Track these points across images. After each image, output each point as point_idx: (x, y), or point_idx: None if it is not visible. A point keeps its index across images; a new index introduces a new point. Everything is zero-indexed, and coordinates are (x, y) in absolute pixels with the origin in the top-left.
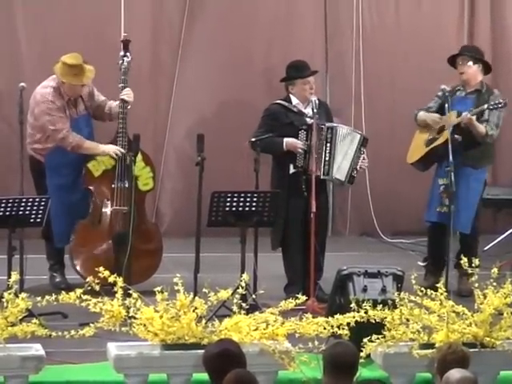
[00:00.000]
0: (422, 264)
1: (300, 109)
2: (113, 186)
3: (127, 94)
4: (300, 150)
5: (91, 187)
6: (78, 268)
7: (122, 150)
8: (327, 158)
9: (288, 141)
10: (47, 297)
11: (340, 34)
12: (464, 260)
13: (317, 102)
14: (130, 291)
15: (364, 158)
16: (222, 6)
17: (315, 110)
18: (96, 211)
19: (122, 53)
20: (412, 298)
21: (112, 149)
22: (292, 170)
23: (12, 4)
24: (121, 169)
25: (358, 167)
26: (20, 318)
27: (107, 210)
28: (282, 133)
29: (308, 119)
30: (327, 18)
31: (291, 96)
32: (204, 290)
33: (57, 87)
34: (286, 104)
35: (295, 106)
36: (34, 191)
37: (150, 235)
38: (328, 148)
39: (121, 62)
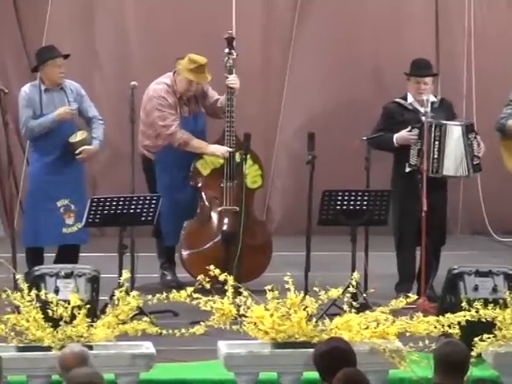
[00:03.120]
0: None
1: (416, 107)
2: (222, 185)
3: (232, 81)
4: (412, 141)
5: (199, 186)
6: (187, 266)
7: (230, 150)
8: (436, 156)
9: (398, 136)
10: (158, 295)
11: (451, 32)
12: None
13: (429, 100)
14: (241, 289)
15: (478, 142)
16: (332, 5)
17: (426, 109)
18: (204, 210)
19: (226, 50)
20: None
21: (220, 150)
22: (407, 168)
23: (123, 5)
24: (229, 168)
25: (476, 154)
26: (131, 315)
27: (216, 209)
28: (396, 131)
29: (423, 118)
30: (438, 16)
31: (408, 94)
32: (314, 288)
33: (170, 85)
34: (402, 102)
35: (410, 103)
36: (145, 190)
37: (259, 233)
38: (437, 146)
39: (226, 59)
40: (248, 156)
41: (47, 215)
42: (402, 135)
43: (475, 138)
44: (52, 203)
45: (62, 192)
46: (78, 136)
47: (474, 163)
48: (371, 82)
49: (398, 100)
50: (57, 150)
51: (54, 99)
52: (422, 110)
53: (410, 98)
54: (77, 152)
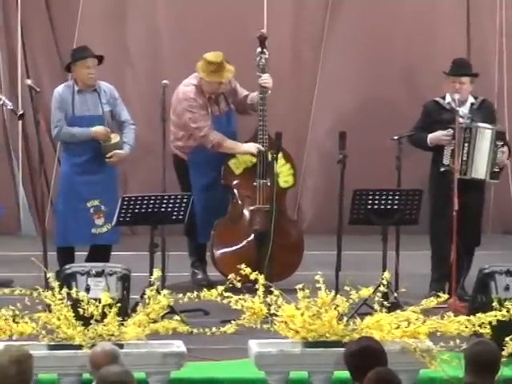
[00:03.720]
0: None
1: (453, 106)
2: (254, 184)
3: (265, 80)
4: (445, 141)
5: (231, 185)
6: (219, 265)
7: (262, 149)
8: (464, 158)
9: (431, 136)
10: (189, 294)
11: (482, 30)
12: None
13: (466, 101)
14: (272, 288)
15: (503, 152)
16: (363, 3)
17: (458, 109)
18: (236, 209)
19: (258, 49)
20: None
21: (253, 147)
22: (441, 168)
23: (155, 3)
24: (262, 167)
25: (497, 161)
26: (162, 314)
27: (248, 207)
28: (433, 130)
29: (461, 118)
30: (469, 14)
31: (447, 93)
32: (345, 287)
33: (198, 85)
34: (440, 101)
35: (448, 103)
36: (176, 188)
37: (290, 232)
38: (466, 148)
39: (258, 58)
40: (280, 155)
41: (77, 215)
42: (435, 135)
43: (502, 146)
44: (82, 203)
45: (93, 193)
46: (112, 139)
47: (493, 170)
48: (402, 81)
49: (436, 99)
50: (88, 150)
51: (86, 101)
52: (460, 110)
53: (448, 98)
54: (107, 156)
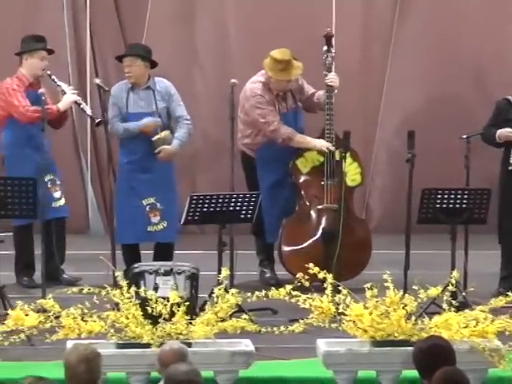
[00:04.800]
0: None
1: None
2: (322, 183)
3: (332, 79)
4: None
5: (298, 184)
6: (287, 264)
7: (332, 148)
8: None
9: (500, 132)
10: (257, 292)
11: None
12: None
13: None
14: (340, 287)
15: None
16: (432, 1)
17: None
18: (304, 208)
19: (325, 48)
20: None
21: (324, 144)
22: (509, 167)
23: (223, 3)
24: (329, 166)
25: None
26: (230, 313)
27: (315, 206)
28: (504, 128)
29: None
30: None
31: None
32: (414, 286)
33: (265, 82)
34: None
35: None
36: (245, 187)
37: (358, 231)
38: None
39: (324, 57)
40: (348, 154)
41: (133, 213)
42: (503, 132)
43: None
44: (138, 201)
45: (149, 190)
46: (160, 135)
47: None
48: (472, 79)
49: (508, 97)
50: (142, 148)
51: (140, 98)
52: None
53: None
54: (156, 151)
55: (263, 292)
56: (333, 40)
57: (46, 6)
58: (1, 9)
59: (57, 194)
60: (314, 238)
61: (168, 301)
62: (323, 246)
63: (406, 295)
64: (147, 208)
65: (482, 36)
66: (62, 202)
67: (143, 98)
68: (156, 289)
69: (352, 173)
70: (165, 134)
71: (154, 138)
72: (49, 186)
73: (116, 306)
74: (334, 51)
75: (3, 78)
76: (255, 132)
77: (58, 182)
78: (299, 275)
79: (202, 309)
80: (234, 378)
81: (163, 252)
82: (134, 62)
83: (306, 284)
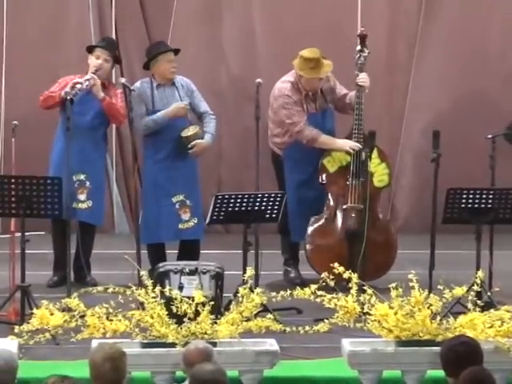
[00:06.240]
0: None
1: None
2: (347, 182)
3: (362, 79)
4: None
5: (326, 183)
6: (312, 263)
7: (359, 146)
8: None
9: None
10: (282, 292)
11: None
12: None
13: None
14: (365, 287)
15: None
16: (459, 1)
17: None
18: (330, 207)
19: (358, 47)
20: None
21: (349, 144)
22: None
23: (250, 2)
24: (356, 165)
25: None
26: (255, 312)
27: (341, 206)
28: None
29: None
30: None
31: None
32: (439, 286)
33: (295, 82)
34: None
35: None
36: (269, 187)
37: (383, 231)
38: None
39: (357, 56)
40: (375, 154)
41: (163, 211)
42: None
43: None
44: (168, 199)
45: (177, 187)
46: (191, 130)
47: None
48: (499, 79)
49: None
50: (169, 145)
51: (166, 95)
52: None
53: None
54: (189, 146)
55: (288, 291)
56: (366, 40)
57: (72, 4)
58: (28, 8)
59: (82, 197)
60: (340, 238)
61: (193, 300)
62: (348, 246)
63: (431, 295)
64: (177, 205)
65: (508, 35)
66: (85, 205)
67: (168, 94)
68: (181, 288)
69: (380, 173)
70: (194, 128)
71: (184, 134)
72: (76, 186)
73: (141, 306)
74: (367, 51)
75: (29, 77)
76: (283, 132)
77: (88, 185)
78: (324, 275)
79: (227, 308)
80: (258, 378)
81: (191, 249)
82: (173, 57)
83: (331, 284)
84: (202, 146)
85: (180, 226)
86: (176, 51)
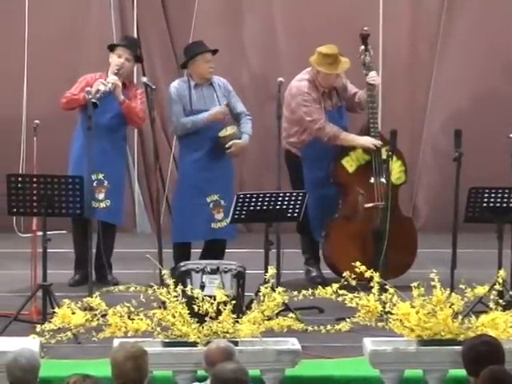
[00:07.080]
0: None
1: None
2: (370, 181)
3: (373, 77)
4: None
5: (345, 183)
6: (332, 262)
7: (380, 142)
8: None
9: None
10: (303, 291)
11: None
12: None
13: None
14: (386, 286)
15: None
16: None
17: None
18: (350, 207)
19: (362, 47)
20: None
21: (370, 141)
22: None
23: (271, 2)
24: (376, 164)
25: None
26: (276, 311)
27: (362, 205)
28: None
29: None
30: None
31: None
32: (461, 285)
33: (311, 80)
34: None
35: None
36: (290, 186)
37: (404, 230)
38: None
39: (362, 56)
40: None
41: (197, 210)
42: None
43: None
44: (202, 199)
45: (212, 187)
46: (228, 130)
47: None
48: None
49: None
50: (206, 145)
51: (203, 95)
52: None
53: None
54: (227, 146)
55: (310, 291)
56: (369, 39)
57: (93, 5)
58: (49, 7)
59: (100, 196)
60: (361, 237)
61: (214, 299)
62: (371, 245)
63: (453, 294)
64: (211, 205)
65: None
66: (103, 204)
67: (206, 94)
68: (202, 287)
69: (396, 171)
70: (232, 128)
71: (222, 134)
72: (94, 185)
73: (162, 305)
74: (371, 50)
75: (50, 76)
76: (301, 130)
77: (106, 184)
78: (346, 274)
79: (249, 307)
80: (280, 377)
81: (217, 249)
82: (212, 57)
83: (353, 283)
84: (239, 145)
85: (213, 225)
86: (214, 51)
